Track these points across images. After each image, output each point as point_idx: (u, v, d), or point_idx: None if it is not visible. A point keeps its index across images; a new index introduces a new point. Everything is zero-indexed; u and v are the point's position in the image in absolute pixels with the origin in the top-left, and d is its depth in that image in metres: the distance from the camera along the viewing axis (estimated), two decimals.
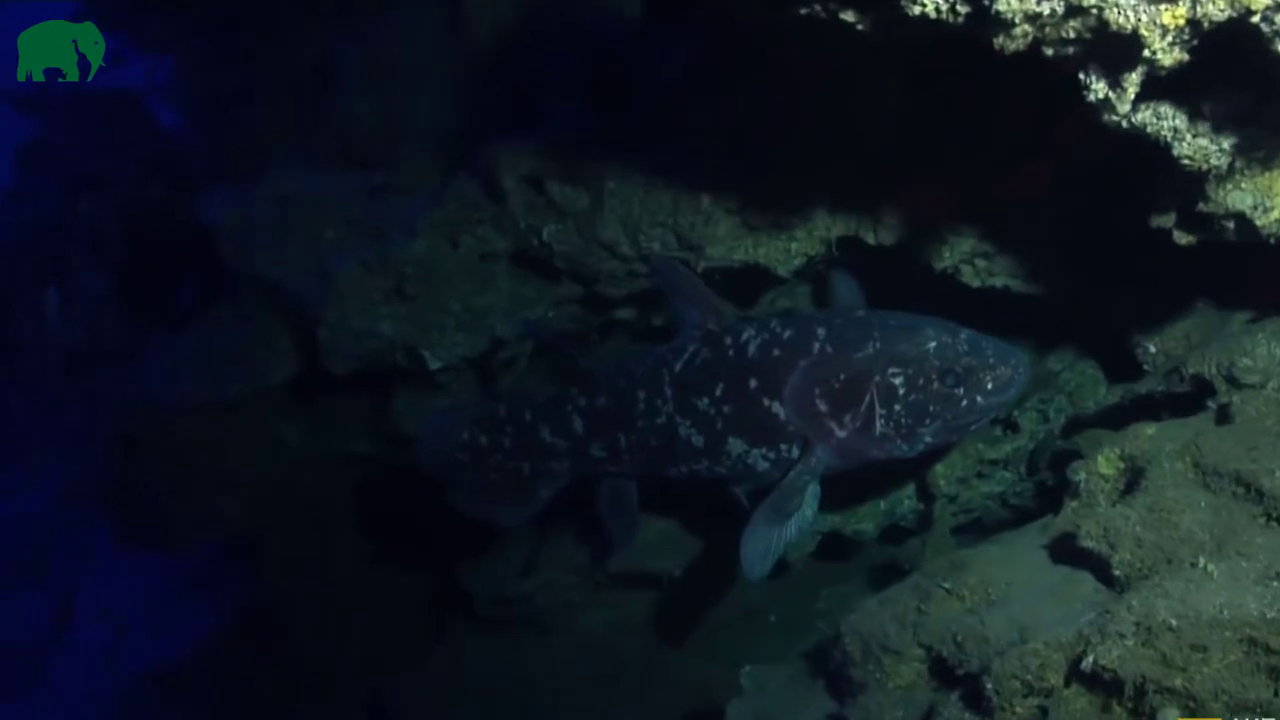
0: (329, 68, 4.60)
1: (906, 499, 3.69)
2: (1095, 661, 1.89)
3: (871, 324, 2.77)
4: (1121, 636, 1.89)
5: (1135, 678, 1.86)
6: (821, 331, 2.78)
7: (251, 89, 5.31)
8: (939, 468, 3.48)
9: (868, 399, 2.68)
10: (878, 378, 2.68)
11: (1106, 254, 3.14)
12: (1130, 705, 1.90)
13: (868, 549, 4.08)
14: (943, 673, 2.37)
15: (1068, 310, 3.32)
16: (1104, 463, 2.55)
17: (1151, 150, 1.92)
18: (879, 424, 2.69)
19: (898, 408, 2.67)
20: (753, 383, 2.82)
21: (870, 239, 3.11)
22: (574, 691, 4.36)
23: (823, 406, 2.72)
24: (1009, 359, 2.68)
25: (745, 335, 2.89)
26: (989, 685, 2.03)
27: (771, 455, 2.87)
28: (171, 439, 4.86)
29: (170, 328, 4.90)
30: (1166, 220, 2.18)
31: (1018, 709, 2.03)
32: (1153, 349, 3.01)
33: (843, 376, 2.71)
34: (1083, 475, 2.58)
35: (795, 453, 2.85)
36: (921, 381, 2.65)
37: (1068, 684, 1.96)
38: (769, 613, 4.21)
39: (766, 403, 2.81)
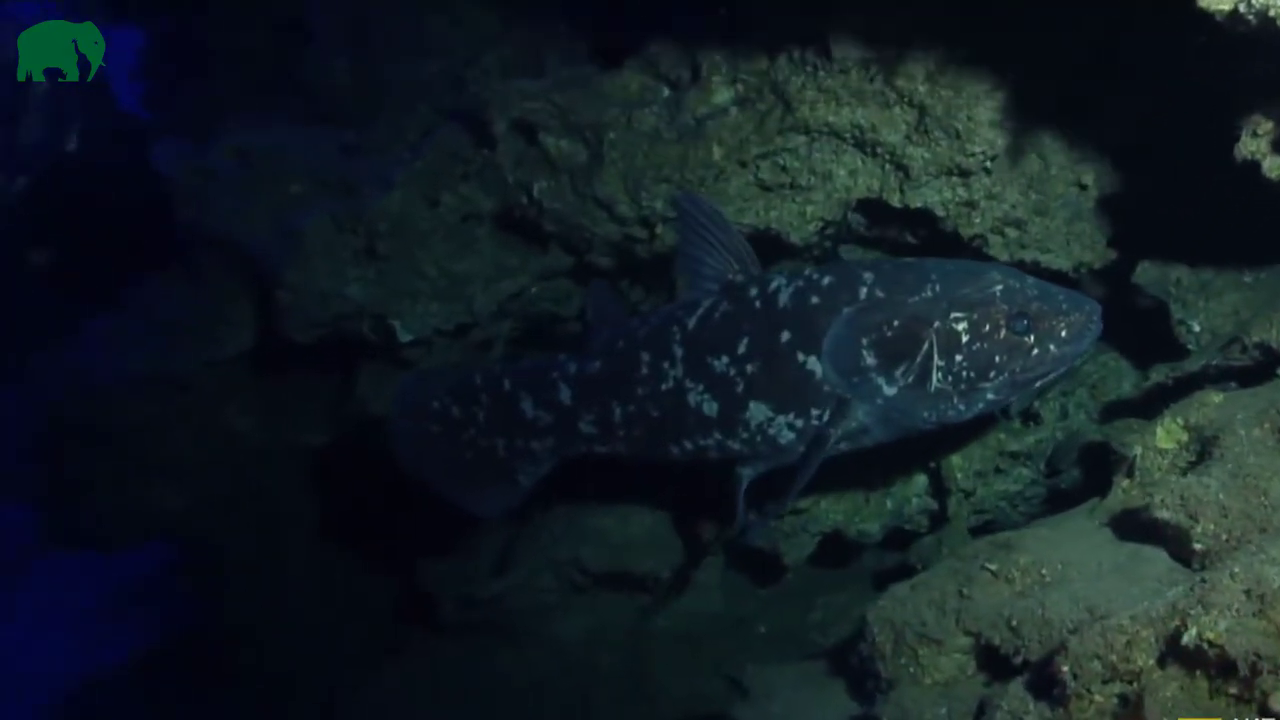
0: (304, 25, 4.28)
1: (915, 497, 3.40)
2: (1199, 635, 1.60)
3: (927, 267, 2.45)
4: (1228, 607, 1.60)
5: (1247, 654, 1.57)
6: (869, 276, 2.43)
7: (218, 55, 4.97)
8: (956, 459, 3.20)
9: (925, 348, 2.34)
10: (938, 323, 2.33)
11: (1147, 228, 2.93)
12: (1236, 690, 1.61)
13: (866, 556, 3.78)
14: (994, 662, 2.07)
15: (1098, 290, 3.08)
16: (1163, 435, 2.30)
17: (1264, 49, 1.68)
18: (935, 378, 2.35)
19: (959, 358, 2.33)
20: (784, 335, 2.47)
21: (895, 200, 2.84)
22: (547, 706, 3.98)
23: (870, 359, 2.39)
24: (1083, 305, 2.38)
25: (775, 284, 2.54)
26: (1064, 668, 1.73)
27: (799, 424, 2.52)
28: (110, 421, 4.45)
29: (113, 300, 4.49)
30: (1259, 147, 1.94)
31: (1097, 697, 1.73)
32: (1197, 327, 2.78)
33: (896, 323, 2.36)
34: (1138, 450, 2.32)
35: (826, 421, 2.50)
36: (988, 328, 2.32)
37: (1162, 664, 1.66)
38: (758, 623, 3.88)
39: (801, 358, 2.45)
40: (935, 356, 2.34)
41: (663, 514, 3.70)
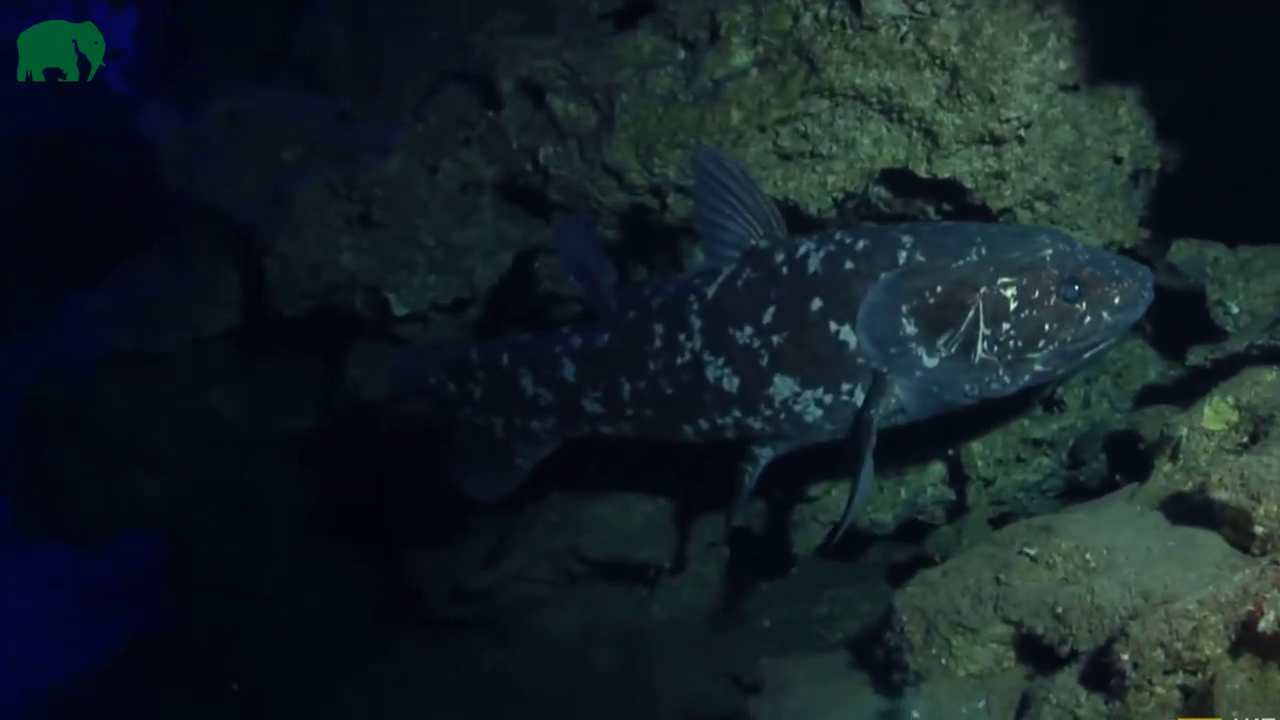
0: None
1: (930, 486, 3.25)
2: (1277, 620, 1.46)
3: (971, 230, 2.30)
4: None
5: None
6: (908, 239, 2.26)
7: (211, 33, 4.79)
8: (976, 445, 3.05)
9: (970, 315, 2.18)
10: (984, 289, 2.17)
11: (1182, 204, 2.80)
12: None
13: (873, 549, 3.63)
14: (1035, 653, 1.93)
15: None
16: (1211, 416, 2.17)
17: None
18: (980, 348, 2.19)
19: (1007, 326, 2.18)
20: (815, 303, 2.31)
21: (921, 170, 2.70)
22: (539, 708, 3.81)
23: (910, 328, 2.22)
24: (1135, 271, 2.24)
25: (804, 249, 2.38)
26: (1124, 657, 1.58)
27: (827, 399, 2.34)
28: (86, 405, 4.26)
29: (91, 281, 4.31)
30: None
31: (1158, 689, 1.59)
32: (1236, 308, 2.65)
33: (939, 289, 2.20)
34: (1183, 431, 2.19)
35: (857, 396, 2.33)
36: (1038, 294, 2.17)
37: (1234, 654, 1.52)
38: (762, 618, 3.72)
39: (833, 328, 2.29)
40: (981, 324, 2.19)
41: (665, 501, 3.54)
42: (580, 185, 3.04)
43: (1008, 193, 2.69)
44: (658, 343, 2.52)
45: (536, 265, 3.50)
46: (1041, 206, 2.75)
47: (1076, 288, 2.18)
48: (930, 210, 2.95)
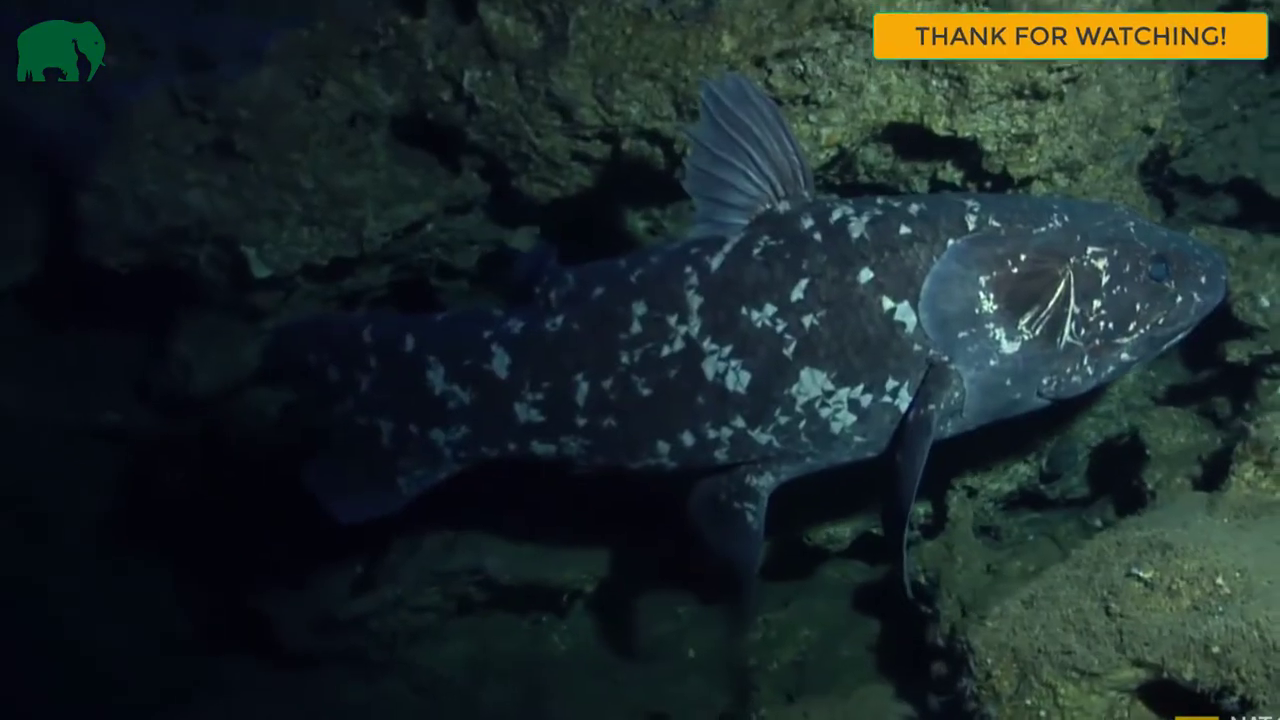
0: None
1: None
2: None
3: (1044, 198, 2.00)
4: None
5: None
6: (972, 203, 1.90)
7: None
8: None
9: (1060, 290, 1.83)
10: (1074, 259, 1.84)
11: (1204, 186, 2.56)
12: None
13: (825, 567, 3.22)
14: (1174, 703, 1.53)
15: None
16: None
17: None
18: (1068, 329, 1.84)
19: (1098, 304, 1.85)
20: (864, 275, 1.85)
21: (938, 126, 2.29)
22: None
23: (989, 304, 1.82)
24: (1212, 252, 1.99)
25: (840, 213, 1.92)
26: None
27: (865, 401, 1.88)
28: None
29: None
30: None
31: None
32: (1266, 301, 2.42)
33: (1024, 257, 1.83)
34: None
35: (901, 399, 1.88)
36: (1128, 269, 1.86)
37: None
38: (686, 646, 3.24)
39: (886, 305, 1.84)
40: (1071, 301, 1.83)
41: (589, 509, 2.98)
42: (512, 123, 2.46)
43: (1032, 159, 2.33)
44: (636, 327, 1.95)
45: (431, 227, 2.86)
46: (1061, 179, 2.41)
47: (1164, 265, 1.90)
48: (920, 183, 2.53)
